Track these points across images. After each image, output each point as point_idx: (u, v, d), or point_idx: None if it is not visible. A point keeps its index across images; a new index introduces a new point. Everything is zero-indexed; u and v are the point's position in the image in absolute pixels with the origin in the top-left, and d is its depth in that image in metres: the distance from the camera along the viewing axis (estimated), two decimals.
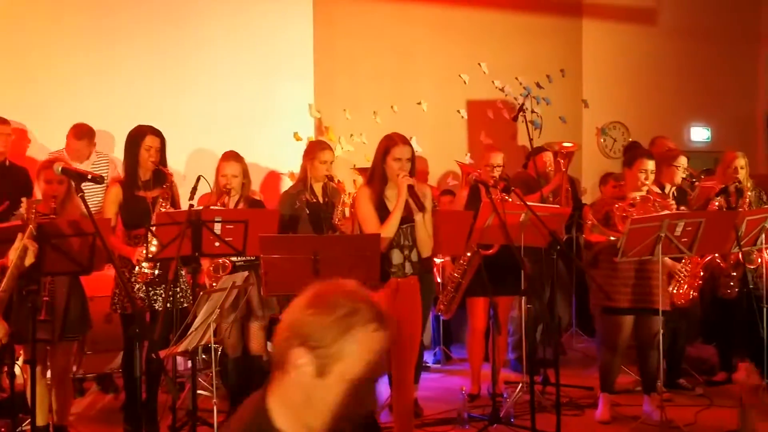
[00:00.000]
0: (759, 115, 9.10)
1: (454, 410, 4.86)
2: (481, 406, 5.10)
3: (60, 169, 3.55)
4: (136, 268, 4.21)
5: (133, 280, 4.27)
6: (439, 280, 5.97)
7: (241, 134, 6.19)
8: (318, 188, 5.02)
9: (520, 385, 5.03)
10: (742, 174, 5.41)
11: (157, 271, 4.17)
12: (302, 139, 6.60)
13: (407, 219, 3.97)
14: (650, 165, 4.73)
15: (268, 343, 4.83)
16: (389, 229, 3.88)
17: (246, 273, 3.97)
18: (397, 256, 3.94)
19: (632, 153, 5.06)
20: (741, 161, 5.44)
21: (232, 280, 3.67)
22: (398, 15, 7.22)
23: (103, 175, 4.94)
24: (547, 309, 5.22)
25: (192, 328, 3.39)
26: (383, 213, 3.95)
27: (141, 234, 4.14)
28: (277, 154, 6.54)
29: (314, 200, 4.95)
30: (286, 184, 6.26)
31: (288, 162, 6.47)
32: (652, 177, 4.76)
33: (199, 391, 4.93)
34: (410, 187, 3.86)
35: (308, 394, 1.47)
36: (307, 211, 4.86)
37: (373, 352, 1.49)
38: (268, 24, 6.62)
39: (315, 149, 5.07)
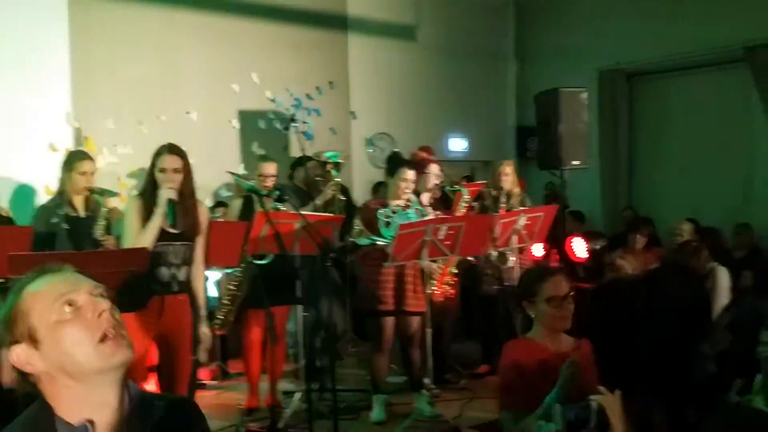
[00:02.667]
0: (508, 127, 9.95)
1: (232, 426, 4.76)
2: (260, 419, 5.04)
3: None
4: None
5: None
6: (214, 294, 5.82)
7: None
8: (79, 201, 4.69)
9: (297, 394, 5.04)
10: (507, 180, 5.89)
11: None
12: (59, 150, 6.10)
13: (181, 237, 3.82)
14: (410, 174, 5.03)
15: None
16: (143, 240, 3.69)
17: None
18: (164, 274, 3.78)
19: (394, 163, 5.31)
20: (506, 169, 5.94)
21: None
22: (164, 21, 6.93)
23: None
24: (323, 316, 5.30)
25: None
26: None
27: None
28: (31, 167, 5.99)
29: (74, 214, 4.61)
30: (42, 198, 5.75)
31: (43, 175, 5.95)
32: (412, 186, 5.05)
33: None
34: (171, 201, 3.71)
35: (57, 370, 1.45)
36: (66, 226, 4.51)
37: (53, 292, 1.47)
38: (18, 25, 6.03)
39: (73, 160, 4.74)
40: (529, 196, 6.40)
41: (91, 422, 1.45)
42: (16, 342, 1.46)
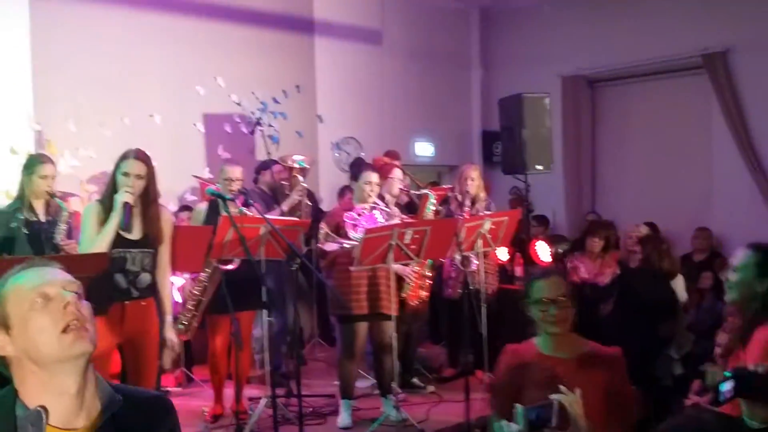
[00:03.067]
0: (474, 132, 10.04)
1: None
2: (226, 425, 5.01)
3: None
4: None
5: None
6: (178, 299, 5.76)
7: None
8: (39, 205, 4.61)
9: (263, 400, 5.01)
10: (473, 185, 5.91)
11: None
12: (19, 154, 5.99)
13: (140, 244, 3.78)
14: (374, 177, 5.07)
15: None
16: (98, 244, 3.65)
17: None
18: (121, 280, 3.74)
19: (357, 168, 5.33)
20: (472, 173, 5.95)
21: None
22: (127, 22, 6.84)
23: None
24: (289, 321, 5.29)
25: None
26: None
27: None
28: None
29: (34, 219, 4.53)
30: (3, 203, 5.64)
31: (4, 179, 5.84)
32: (376, 189, 5.08)
33: None
34: (126, 204, 3.67)
35: (24, 355, 1.57)
36: (26, 231, 4.43)
37: (29, 283, 1.60)
38: None
39: (34, 163, 4.64)
40: (495, 200, 6.45)
41: (44, 408, 1.54)
42: None
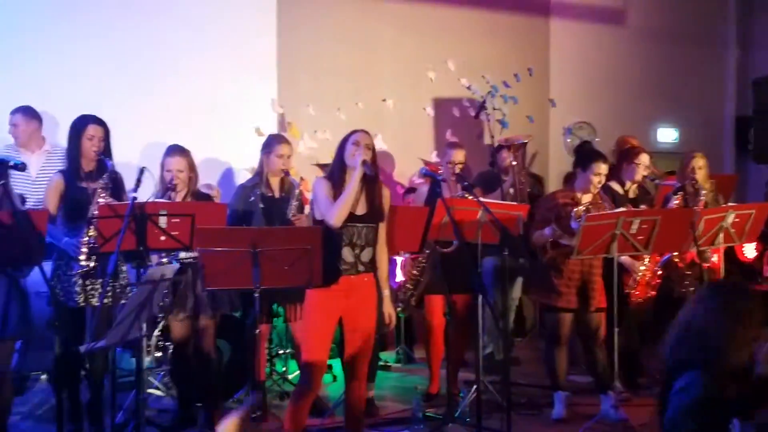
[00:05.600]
0: (726, 118, 9.13)
1: (411, 410, 4.81)
2: (439, 405, 5.05)
3: None
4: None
5: (69, 273, 4.16)
6: (401, 277, 5.90)
7: (201, 128, 6.11)
8: (275, 182, 4.93)
9: (475, 384, 4.97)
10: (700, 174, 5.33)
11: (92, 263, 4.03)
12: (264, 135, 6.49)
13: (365, 219, 3.89)
14: (604, 169, 4.71)
15: (220, 341, 4.75)
16: (341, 204, 3.75)
17: (176, 266, 3.89)
18: (348, 254, 3.87)
19: (587, 155, 4.98)
20: (699, 162, 5.36)
21: (161, 272, 3.55)
22: (364, 10, 7.14)
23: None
24: (500, 308, 5.20)
25: (116, 322, 3.27)
26: None
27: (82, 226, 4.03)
28: (238, 149, 6.43)
29: (270, 194, 4.86)
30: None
31: (249, 157, 6.35)
32: (603, 180, 4.74)
33: (150, 390, 4.86)
34: (365, 162, 3.76)
35: None
36: (262, 205, 4.77)
37: None
38: (231, 17, 6.52)
39: (272, 142, 4.98)
40: (749, 193, 5.82)
41: None
42: None
